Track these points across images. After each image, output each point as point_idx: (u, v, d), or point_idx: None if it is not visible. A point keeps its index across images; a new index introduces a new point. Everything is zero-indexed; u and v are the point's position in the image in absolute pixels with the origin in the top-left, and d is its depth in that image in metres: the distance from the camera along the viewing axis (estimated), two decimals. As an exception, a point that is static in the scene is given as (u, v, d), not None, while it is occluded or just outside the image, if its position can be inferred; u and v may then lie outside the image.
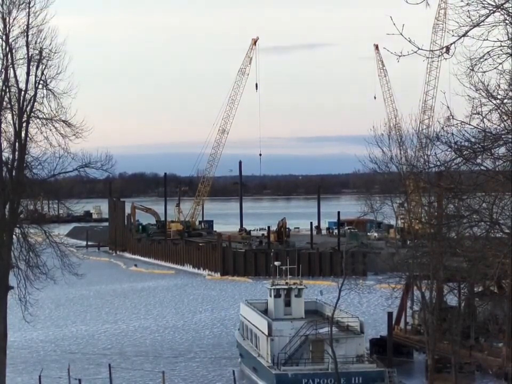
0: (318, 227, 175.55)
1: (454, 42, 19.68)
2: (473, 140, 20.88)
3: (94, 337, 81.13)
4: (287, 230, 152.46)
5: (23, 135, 40.50)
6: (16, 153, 40.45)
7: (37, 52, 40.43)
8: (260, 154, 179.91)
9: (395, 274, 60.66)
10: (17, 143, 40.37)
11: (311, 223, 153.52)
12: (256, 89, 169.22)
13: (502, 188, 21.98)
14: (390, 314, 65.53)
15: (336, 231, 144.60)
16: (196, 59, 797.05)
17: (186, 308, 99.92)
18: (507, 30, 20.11)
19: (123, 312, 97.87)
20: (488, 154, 20.96)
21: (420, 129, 70.63)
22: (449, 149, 21.14)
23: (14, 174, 40.79)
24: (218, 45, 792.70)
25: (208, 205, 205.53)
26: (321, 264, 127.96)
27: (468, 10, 19.48)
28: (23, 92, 40.37)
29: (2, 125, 40.66)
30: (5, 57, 40.40)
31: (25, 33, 40.19)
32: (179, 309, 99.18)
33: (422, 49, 19.32)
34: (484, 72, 20.57)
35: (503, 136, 20.70)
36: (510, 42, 20.07)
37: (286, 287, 62.46)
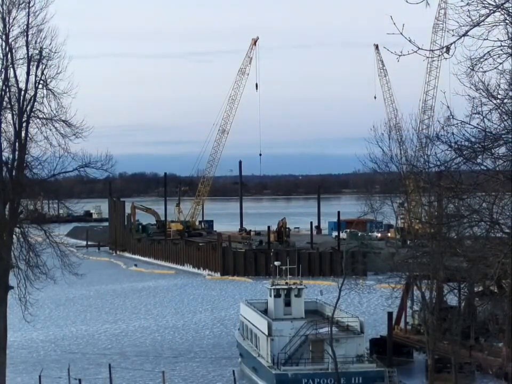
0: (318, 227, 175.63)
1: (454, 42, 19.65)
2: (473, 139, 20.85)
3: (94, 337, 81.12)
4: (287, 230, 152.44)
5: (23, 135, 40.46)
6: (16, 153, 40.42)
7: (37, 51, 40.39)
8: (260, 154, 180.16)
9: (395, 274, 60.63)
10: (17, 143, 40.34)
11: (311, 223, 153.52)
12: (256, 89, 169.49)
13: (502, 188, 21.95)
14: (390, 314, 65.55)
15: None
16: (196, 58, 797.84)
17: (186, 308, 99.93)
18: (507, 29, 20.09)
19: (123, 312, 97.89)
20: (489, 154, 20.93)
21: (420, 129, 70.71)
22: (449, 149, 21.11)
23: (14, 174, 40.76)
24: (218, 44, 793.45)
25: (208, 205, 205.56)
26: (321, 264, 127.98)
27: (468, 10, 19.46)
28: (23, 92, 40.33)
29: (2, 125, 40.64)
30: (5, 57, 40.37)
31: (25, 33, 40.14)
32: (179, 309, 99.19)
33: (422, 49, 19.29)
34: (484, 72, 20.55)
35: (503, 136, 20.68)
36: (510, 42, 20.05)
37: (286, 287, 62.45)
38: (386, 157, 60.82)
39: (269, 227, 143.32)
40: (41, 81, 40.56)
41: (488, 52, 20.00)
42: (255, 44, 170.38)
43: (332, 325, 54.51)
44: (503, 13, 19.72)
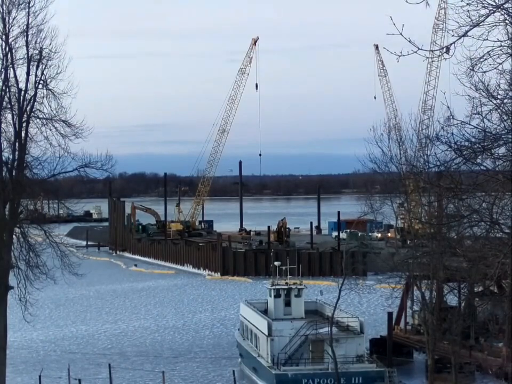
0: (318, 227, 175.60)
1: (454, 42, 19.64)
2: (473, 139, 20.84)
3: (94, 337, 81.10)
4: (287, 230, 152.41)
5: (23, 135, 40.46)
6: (16, 153, 40.42)
7: (37, 51, 40.38)
8: (260, 154, 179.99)
9: (395, 274, 60.62)
10: (17, 143, 40.34)
11: (311, 223, 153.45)
12: (256, 89, 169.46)
13: (502, 188, 21.95)
14: (390, 314, 65.51)
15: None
16: (196, 59, 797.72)
17: (186, 308, 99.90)
18: (507, 30, 20.08)
19: (123, 312, 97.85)
20: (488, 154, 20.92)
21: (420, 129, 70.62)
22: (449, 149, 21.10)
23: (14, 174, 40.75)
24: (218, 45, 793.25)
25: (208, 205, 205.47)
26: (321, 264, 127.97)
27: (468, 10, 19.45)
28: (23, 92, 40.32)
29: (2, 125, 40.65)
30: (4, 57, 40.36)
31: (25, 33, 40.13)
32: (179, 309, 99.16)
33: (422, 49, 19.29)
34: (484, 72, 20.54)
35: (503, 136, 20.68)
36: (510, 42, 20.04)
37: (286, 287, 62.42)
38: (386, 157, 60.91)
39: (269, 227, 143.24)
40: (41, 81, 40.56)
41: (488, 52, 19.99)
42: (255, 43, 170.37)
43: (332, 325, 54.48)
44: (503, 13, 19.72)
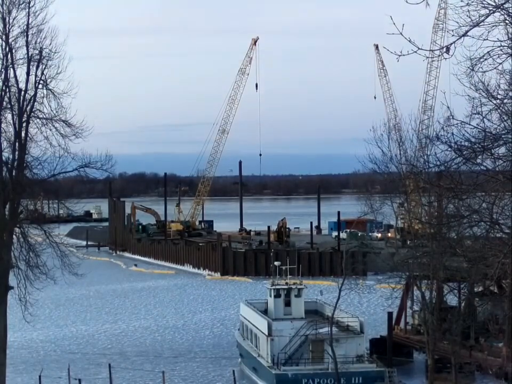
0: (318, 227, 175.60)
1: (454, 42, 19.64)
2: (473, 139, 20.84)
3: (94, 337, 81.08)
4: (287, 230, 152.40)
5: (23, 135, 40.47)
6: (16, 153, 40.42)
7: (37, 51, 40.40)
8: (260, 154, 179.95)
9: (395, 274, 60.63)
10: (17, 143, 40.35)
11: (311, 223, 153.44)
12: (256, 89, 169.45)
13: (502, 188, 21.94)
14: (390, 314, 65.51)
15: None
16: (196, 59, 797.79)
17: (186, 308, 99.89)
18: (507, 30, 20.07)
19: (123, 312, 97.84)
20: (488, 154, 20.92)
21: (420, 129, 70.68)
22: (449, 149, 21.10)
23: (14, 174, 40.75)
24: (218, 44, 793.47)
25: (208, 205, 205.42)
26: (321, 264, 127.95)
27: (468, 10, 19.45)
28: (23, 92, 40.33)
29: (2, 125, 40.66)
30: (5, 57, 40.38)
31: (25, 33, 40.14)
32: (179, 309, 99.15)
33: (422, 49, 19.27)
34: (484, 72, 20.53)
35: (503, 136, 20.68)
36: (510, 42, 20.03)
37: (286, 287, 62.42)
38: (386, 157, 60.92)
39: (269, 227, 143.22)
40: (41, 81, 40.57)
41: (488, 52, 19.98)
42: (255, 43, 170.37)
43: (332, 325, 54.48)
44: (503, 13, 19.71)
